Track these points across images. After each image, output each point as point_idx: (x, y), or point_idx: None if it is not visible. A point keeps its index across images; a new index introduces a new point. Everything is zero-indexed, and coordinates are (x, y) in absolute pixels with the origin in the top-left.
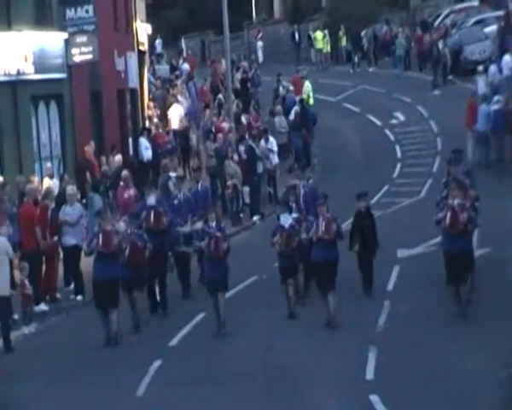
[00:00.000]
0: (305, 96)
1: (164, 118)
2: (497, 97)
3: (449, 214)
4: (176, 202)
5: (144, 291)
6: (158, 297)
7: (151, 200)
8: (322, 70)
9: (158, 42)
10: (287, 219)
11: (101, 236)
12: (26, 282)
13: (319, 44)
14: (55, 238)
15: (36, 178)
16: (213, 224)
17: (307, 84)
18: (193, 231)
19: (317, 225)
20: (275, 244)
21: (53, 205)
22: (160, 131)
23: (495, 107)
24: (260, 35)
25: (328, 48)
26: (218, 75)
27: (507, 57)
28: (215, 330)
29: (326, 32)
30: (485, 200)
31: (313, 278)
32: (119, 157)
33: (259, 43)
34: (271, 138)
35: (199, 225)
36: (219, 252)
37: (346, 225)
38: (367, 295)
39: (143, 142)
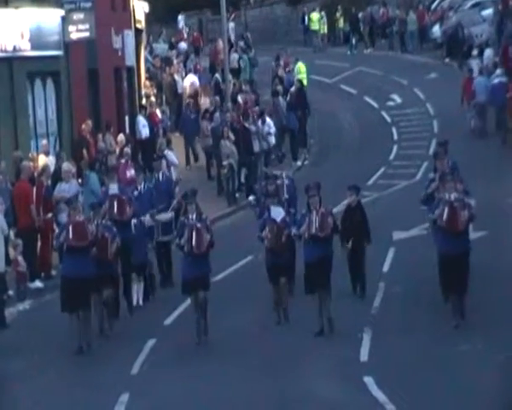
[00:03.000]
0: (300, 76)
1: (160, 96)
2: (498, 71)
3: (446, 210)
4: (136, 193)
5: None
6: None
7: (113, 188)
8: (318, 51)
9: (181, 17)
10: (279, 213)
11: (71, 228)
12: (20, 259)
13: (315, 26)
14: (50, 215)
15: (35, 155)
16: (193, 216)
17: (300, 65)
18: (157, 223)
19: (309, 221)
20: (263, 239)
21: (49, 182)
22: (157, 109)
23: (496, 80)
24: (233, 16)
25: (325, 29)
26: (217, 53)
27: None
28: (195, 337)
29: (323, 13)
30: (483, 170)
31: (304, 279)
32: (121, 136)
33: (231, 25)
34: (268, 119)
35: (163, 216)
36: (201, 246)
37: (341, 206)
38: (359, 298)
39: (141, 120)
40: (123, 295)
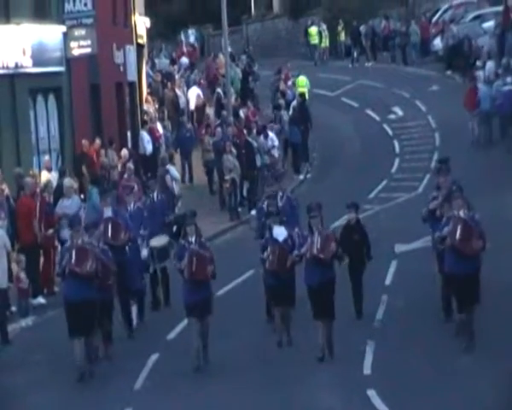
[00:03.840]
0: (302, 90)
1: (162, 111)
2: (509, 79)
3: (460, 228)
4: (126, 214)
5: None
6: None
7: (107, 211)
8: (317, 65)
9: (191, 31)
10: (281, 232)
11: (74, 253)
12: (22, 275)
13: (314, 40)
14: (51, 231)
15: (36, 172)
16: (193, 238)
17: (301, 79)
18: (152, 250)
19: (311, 242)
20: (265, 261)
21: (51, 198)
22: (158, 124)
23: (506, 88)
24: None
25: (327, 42)
26: (210, 69)
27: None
28: (194, 364)
29: (324, 27)
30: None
31: (311, 303)
32: (124, 151)
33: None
34: (271, 134)
35: (158, 241)
36: (203, 274)
37: (343, 220)
38: (357, 318)
39: (145, 135)
40: (122, 319)
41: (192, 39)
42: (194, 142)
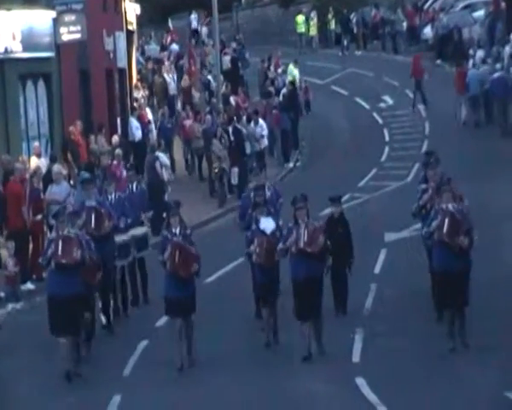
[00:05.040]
0: (292, 78)
1: (151, 98)
2: (498, 65)
3: (447, 221)
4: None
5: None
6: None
7: (91, 200)
8: (301, 54)
9: (193, 16)
10: (269, 224)
11: (60, 243)
12: (11, 262)
13: (300, 28)
14: (39, 217)
15: (26, 158)
16: (177, 230)
17: (291, 67)
18: (131, 239)
19: (297, 234)
20: (252, 255)
21: (40, 184)
22: (147, 110)
23: (496, 75)
24: (207, 20)
25: (315, 31)
26: (206, 55)
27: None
28: (177, 365)
29: (312, 14)
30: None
31: (294, 302)
32: (115, 138)
33: (204, 29)
34: (261, 121)
35: (138, 231)
36: (186, 270)
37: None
38: (341, 314)
39: (134, 122)
40: (101, 313)
41: (195, 24)
42: (175, 130)
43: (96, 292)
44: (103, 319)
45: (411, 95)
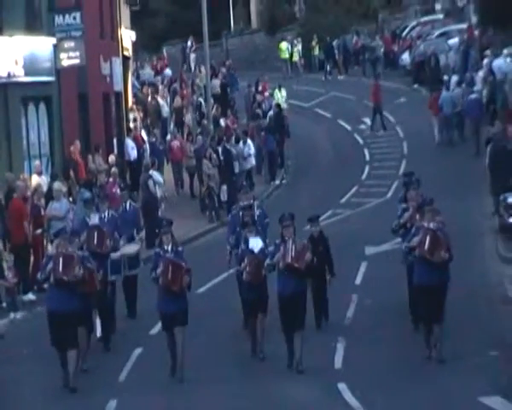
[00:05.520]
0: (279, 101)
1: (146, 119)
2: (475, 88)
3: (428, 238)
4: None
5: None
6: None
7: (94, 219)
8: (290, 79)
9: (189, 42)
10: (257, 243)
11: (61, 260)
12: (10, 273)
13: (284, 55)
14: (39, 231)
15: (27, 176)
16: (169, 247)
17: (281, 92)
18: (123, 257)
19: (285, 250)
20: (242, 273)
21: (42, 200)
22: (142, 132)
23: (472, 96)
24: (194, 47)
25: (298, 57)
26: (183, 81)
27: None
28: (169, 373)
29: (295, 41)
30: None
31: (280, 315)
32: (112, 157)
33: (192, 55)
34: (249, 141)
35: (130, 249)
36: (178, 284)
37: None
38: (323, 324)
39: (129, 142)
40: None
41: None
42: (164, 152)
43: (95, 307)
44: (99, 332)
45: (391, 118)
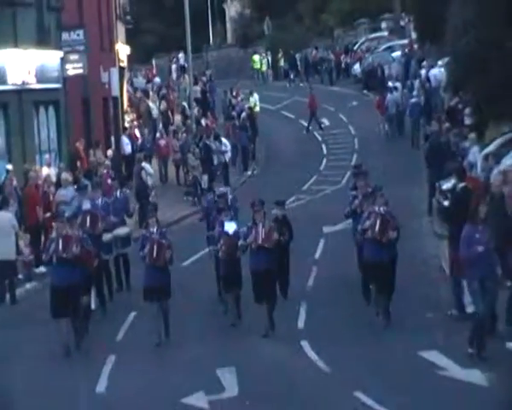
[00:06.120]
0: (252, 104)
1: (139, 120)
2: (415, 93)
3: (379, 221)
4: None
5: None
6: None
7: (86, 204)
8: (260, 85)
9: (181, 55)
10: (231, 226)
11: (60, 241)
12: (26, 250)
13: (256, 65)
14: (48, 214)
15: (38, 168)
16: (154, 229)
17: (255, 96)
18: (115, 237)
19: (256, 232)
20: (219, 252)
21: (52, 188)
22: (136, 131)
23: (412, 100)
24: (175, 59)
25: (266, 67)
26: (170, 87)
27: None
28: (156, 341)
29: (263, 55)
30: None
31: (253, 288)
32: (110, 152)
33: (173, 66)
34: (224, 140)
35: (122, 231)
36: (161, 260)
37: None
38: (283, 297)
39: (124, 139)
40: (96, 296)
41: (182, 61)
42: (153, 149)
43: (92, 280)
44: (95, 302)
45: (344, 118)
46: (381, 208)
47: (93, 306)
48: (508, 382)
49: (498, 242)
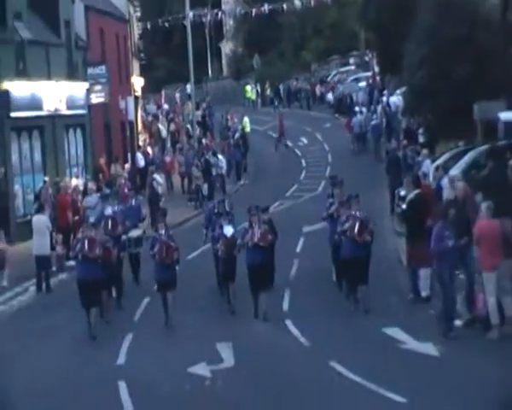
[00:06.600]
0: (244, 125)
1: (150, 139)
2: (375, 116)
3: (357, 224)
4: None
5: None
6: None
7: (108, 210)
8: (250, 111)
9: (188, 85)
10: (229, 230)
11: (86, 242)
12: (59, 247)
13: (248, 94)
14: (76, 217)
15: (68, 179)
16: (163, 232)
17: (245, 119)
18: (130, 238)
19: (252, 233)
20: (218, 251)
21: (79, 196)
22: (149, 148)
23: (373, 122)
24: (178, 89)
25: (255, 96)
26: (176, 112)
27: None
28: (165, 321)
29: (253, 85)
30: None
31: (249, 280)
32: (127, 166)
33: (177, 95)
34: (220, 156)
35: (135, 233)
36: (170, 259)
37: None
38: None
39: (139, 155)
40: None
41: (189, 91)
42: (160, 164)
43: (111, 275)
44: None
45: (320, 137)
46: (358, 213)
47: (114, 294)
48: (457, 352)
49: (459, 238)
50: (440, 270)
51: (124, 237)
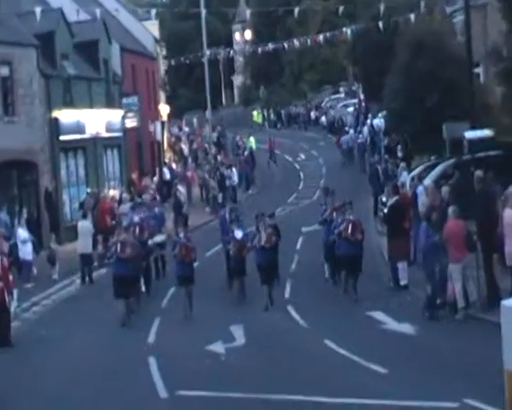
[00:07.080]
0: (251, 143)
1: (175, 157)
2: (360, 136)
3: (350, 226)
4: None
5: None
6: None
7: (136, 218)
8: (257, 132)
9: (207, 111)
10: (238, 233)
11: (119, 244)
12: (99, 246)
13: (255, 118)
14: (113, 222)
15: (106, 191)
16: (182, 235)
17: (251, 139)
18: (154, 242)
19: (259, 237)
20: (229, 251)
21: (115, 204)
22: (173, 164)
23: (359, 140)
24: (196, 115)
25: (261, 119)
26: (196, 134)
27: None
28: (183, 313)
29: (259, 111)
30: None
31: (260, 275)
32: (155, 179)
33: (195, 120)
34: (234, 169)
35: (159, 238)
36: (188, 258)
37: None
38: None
39: (165, 170)
40: (144, 285)
41: (207, 116)
42: (183, 177)
43: (141, 273)
44: (144, 287)
45: (315, 153)
46: (351, 216)
47: (143, 289)
48: (430, 331)
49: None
50: (428, 263)
51: (150, 241)
